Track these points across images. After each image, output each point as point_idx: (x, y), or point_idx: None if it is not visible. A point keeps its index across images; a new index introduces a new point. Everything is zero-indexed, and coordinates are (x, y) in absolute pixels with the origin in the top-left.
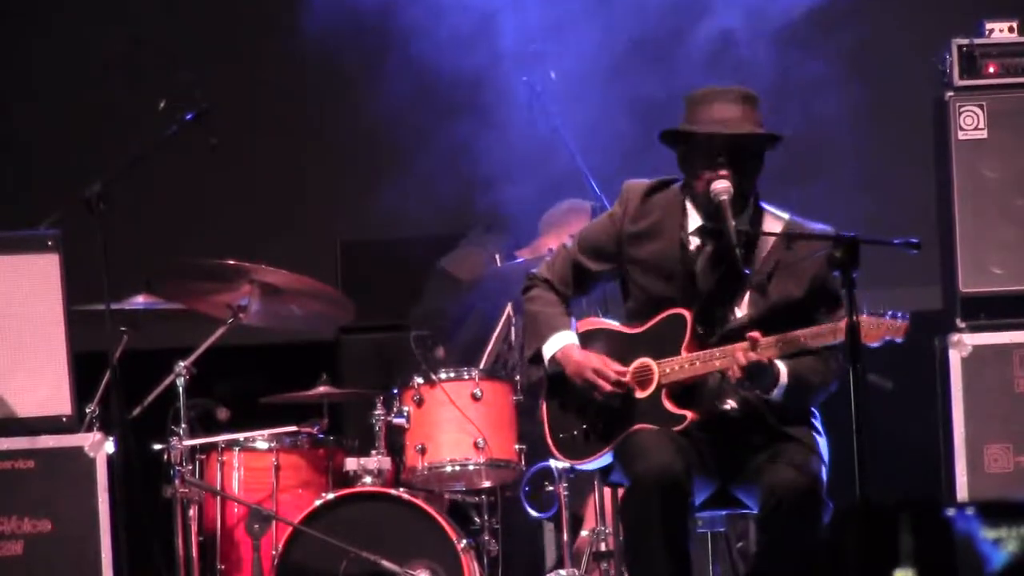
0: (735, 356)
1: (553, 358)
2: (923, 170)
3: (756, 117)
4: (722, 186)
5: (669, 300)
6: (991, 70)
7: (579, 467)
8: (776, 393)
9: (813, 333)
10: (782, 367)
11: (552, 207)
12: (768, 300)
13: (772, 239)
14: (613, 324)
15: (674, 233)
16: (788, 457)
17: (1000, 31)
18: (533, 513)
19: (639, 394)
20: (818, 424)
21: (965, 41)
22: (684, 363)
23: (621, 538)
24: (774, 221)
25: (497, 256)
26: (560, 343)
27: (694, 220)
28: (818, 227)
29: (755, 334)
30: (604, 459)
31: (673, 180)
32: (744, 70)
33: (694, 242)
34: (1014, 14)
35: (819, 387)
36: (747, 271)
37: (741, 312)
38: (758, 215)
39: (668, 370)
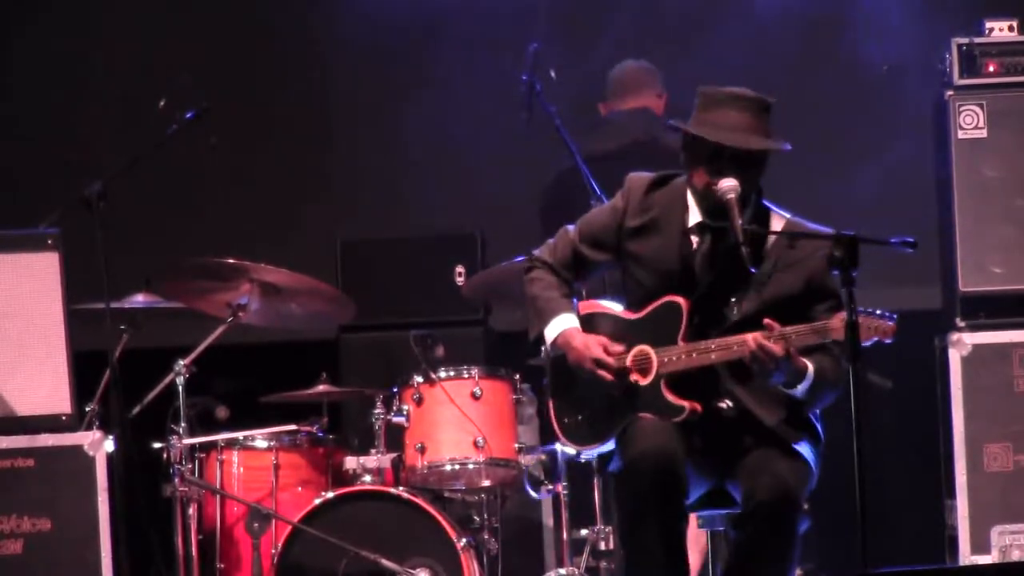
0: (745, 340)
1: (554, 342)
2: (923, 170)
3: (767, 127)
4: (729, 184)
5: (666, 294)
6: (991, 69)
7: (584, 452)
8: (801, 389)
9: (811, 329)
10: (808, 363)
11: (615, 69)
12: (764, 296)
13: (774, 237)
14: (614, 308)
15: (674, 229)
16: (774, 463)
17: (1000, 30)
18: (533, 494)
19: (639, 381)
20: (818, 430)
21: (965, 40)
22: (681, 353)
23: (615, 522)
24: (777, 220)
25: None
26: (560, 327)
27: (694, 216)
28: (817, 228)
29: (771, 321)
30: (608, 446)
31: (677, 174)
32: (741, 67)
33: (693, 238)
34: (1014, 13)
35: (832, 388)
36: (753, 270)
37: (738, 308)
38: (762, 213)
39: (666, 359)
